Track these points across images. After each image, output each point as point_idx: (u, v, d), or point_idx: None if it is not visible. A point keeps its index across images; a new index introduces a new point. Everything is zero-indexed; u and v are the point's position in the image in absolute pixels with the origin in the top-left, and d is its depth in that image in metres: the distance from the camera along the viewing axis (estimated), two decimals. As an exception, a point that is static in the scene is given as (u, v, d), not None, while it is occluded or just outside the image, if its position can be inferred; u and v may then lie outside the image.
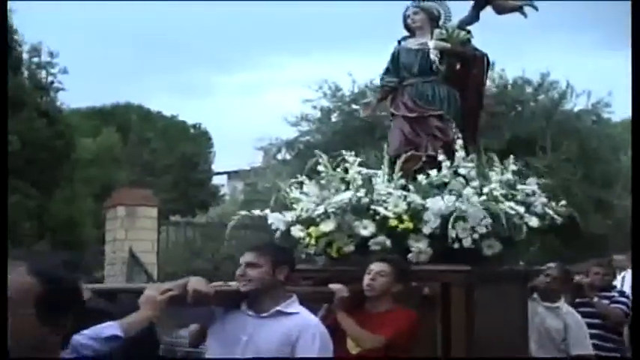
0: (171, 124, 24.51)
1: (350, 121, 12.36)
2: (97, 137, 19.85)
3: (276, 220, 4.24)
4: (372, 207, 3.93)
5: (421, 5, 4.74)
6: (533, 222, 4.27)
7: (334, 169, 4.26)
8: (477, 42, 4.68)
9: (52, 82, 12.77)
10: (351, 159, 4.39)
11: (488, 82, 12.33)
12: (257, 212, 4.28)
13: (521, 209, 4.11)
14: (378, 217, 3.89)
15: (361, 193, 3.95)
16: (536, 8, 4.75)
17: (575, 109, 14.27)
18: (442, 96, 4.60)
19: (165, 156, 22.34)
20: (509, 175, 4.49)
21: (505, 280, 4.27)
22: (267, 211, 4.28)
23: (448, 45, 4.58)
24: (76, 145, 13.69)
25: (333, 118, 13.61)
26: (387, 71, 4.84)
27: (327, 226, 3.96)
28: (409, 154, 4.31)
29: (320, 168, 4.34)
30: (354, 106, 11.25)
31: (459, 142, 4.34)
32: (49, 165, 11.84)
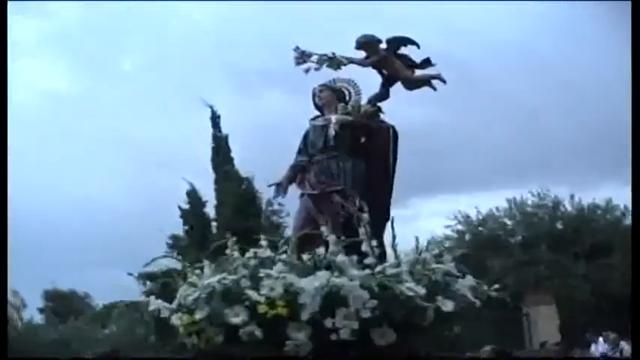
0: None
1: (479, 238, 18.00)
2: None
3: (160, 306, 3.56)
4: (246, 292, 3.23)
5: (326, 84, 4.26)
6: (448, 306, 3.43)
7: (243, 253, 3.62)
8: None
9: (280, 223, 17.72)
10: (264, 242, 3.76)
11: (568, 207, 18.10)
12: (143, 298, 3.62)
13: (422, 290, 3.30)
14: (248, 303, 3.18)
15: (233, 276, 3.26)
16: (444, 81, 4.19)
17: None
18: (347, 170, 3.94)
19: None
20: (426, 255, 3.73)
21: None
22: (152, 297, 3.61)
23: (350, 118, 4.02)
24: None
25: (466, 237, 18.70)
26: (299, 151, 4.26)
27: (199, 314, 3.25)
28: (302, 233, 3.62)
29: (227, 252, 3.71)
30: (480, 229, 17.96)
31: (364, 216, 3.65)
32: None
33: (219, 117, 17.77)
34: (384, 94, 4.22)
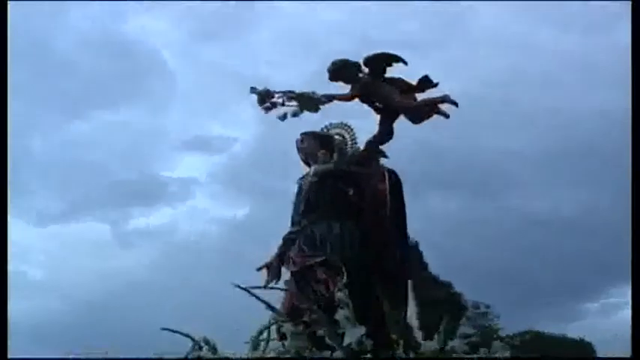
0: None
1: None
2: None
3: None
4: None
5: (309, 132, 3.41)
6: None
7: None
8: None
9: (490, 325, 15.19)
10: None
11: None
12: None
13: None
14: None
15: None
16: (455, 103, 3.14)
17: None
18: (334, 235, 2.96)
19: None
20: (457, 343, 2.55)
21: None
22: None
23: (330, 166, 3.09)
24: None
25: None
26: (292, 221, 3.37)
27: None
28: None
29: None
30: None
31: (339, 295, 2.59)
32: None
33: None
34: (385, 133, 3.27)
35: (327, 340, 2.33)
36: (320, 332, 2.38)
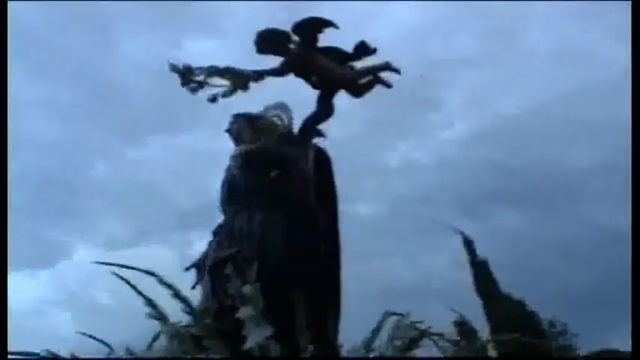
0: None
1: None
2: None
3: None
4: None
5: (239, 113, 3.02)
6: None
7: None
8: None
9: (569, 345, 14.38)
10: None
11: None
12: None
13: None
14: None
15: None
16: (397, 71, 2.74)
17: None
18: (253, 226, 2.58)
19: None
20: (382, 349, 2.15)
21: None
22: None
23: (254, 146, 2.70)
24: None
25: None
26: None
27: None
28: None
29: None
30: None
31: (245, 290, 2.20)
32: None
33: (472, 242, 16.51)
34: (323, 110, 2.88)
35: (205, 343, 1.95)
36: (196, 332, 2.01)
